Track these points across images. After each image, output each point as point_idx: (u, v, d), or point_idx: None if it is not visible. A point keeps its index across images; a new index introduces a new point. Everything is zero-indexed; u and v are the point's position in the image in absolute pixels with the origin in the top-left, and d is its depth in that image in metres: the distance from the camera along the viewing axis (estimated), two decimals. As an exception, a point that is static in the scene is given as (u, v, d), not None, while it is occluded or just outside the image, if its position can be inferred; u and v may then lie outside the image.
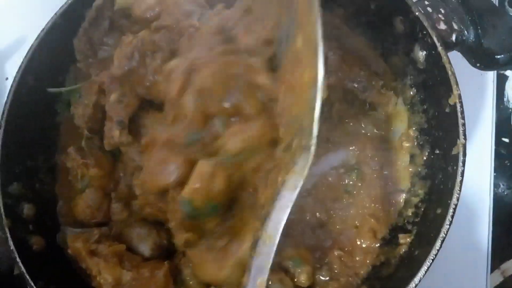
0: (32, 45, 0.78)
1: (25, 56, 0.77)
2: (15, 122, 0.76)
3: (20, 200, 0.75)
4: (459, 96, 0.69)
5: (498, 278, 0.99)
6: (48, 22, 0.78)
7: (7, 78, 1.09)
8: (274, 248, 0.53)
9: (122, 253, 0.72)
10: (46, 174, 0.82)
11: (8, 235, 0.69)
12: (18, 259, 0.68)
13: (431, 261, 0.63)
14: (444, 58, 0.71)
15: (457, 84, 0.70)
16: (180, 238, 0.64)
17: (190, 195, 0.60)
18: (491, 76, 0.97)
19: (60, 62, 0.83)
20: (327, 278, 0.74)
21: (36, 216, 0.76)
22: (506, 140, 1.05)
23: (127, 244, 0.74)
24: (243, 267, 0.56)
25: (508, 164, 1.04)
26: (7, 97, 0.76)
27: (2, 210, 0.70)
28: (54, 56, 0.81)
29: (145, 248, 0.74)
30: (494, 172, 0.94)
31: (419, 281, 0.63)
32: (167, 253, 0.75)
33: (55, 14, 0.79)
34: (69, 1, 0.79)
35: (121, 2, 0.77)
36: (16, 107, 0.76)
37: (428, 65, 0.75)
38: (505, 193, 1.04)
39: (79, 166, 0.79)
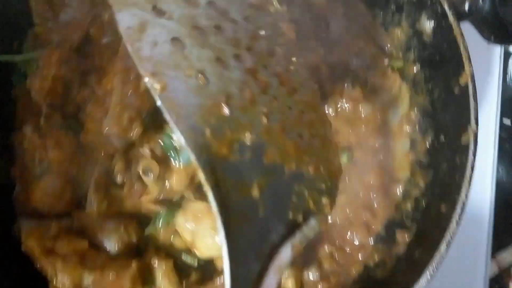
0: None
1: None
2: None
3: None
4: (472, 75, 0.60)
5: (493, 269, 0.93)
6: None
7: None
8: None
9: (84, 251, 0.63)
10: (0, 155, 0.71)
11: None
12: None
13: (434, 267, 0.55)
14: (456, 30, 0.61)
15: (469, 60, 0.61)
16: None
17: None
18: (497, 52, 0.87)
19: (16, 25, 0.72)
20: (316, 278, 0.66)
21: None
22: (508, 122, 0.97)
23: (90, 240, 0.66)
24: None
25: (509, 148, 0.97)
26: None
27: None
28: (8, 18, 0.70)
29: (111, 244, 0.66)
30: (494, 156, 0.86)
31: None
32: (136, 251, 0.67)
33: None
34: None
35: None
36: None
37: (436, 37, 0.65)
38: (504, 179, 0.97)
39: (37, 148, 0.69)
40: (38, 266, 0.63)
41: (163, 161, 0.60)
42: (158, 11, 0.41)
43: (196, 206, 0.60)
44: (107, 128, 0.64)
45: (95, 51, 0.75)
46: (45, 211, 0.68)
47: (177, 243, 0.66)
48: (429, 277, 0.54)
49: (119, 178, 0.66)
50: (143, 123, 0.64)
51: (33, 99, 0.71)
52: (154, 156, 0.60)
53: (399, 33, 0.71)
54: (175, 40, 0.41)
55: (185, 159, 0.59)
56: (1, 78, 0.73)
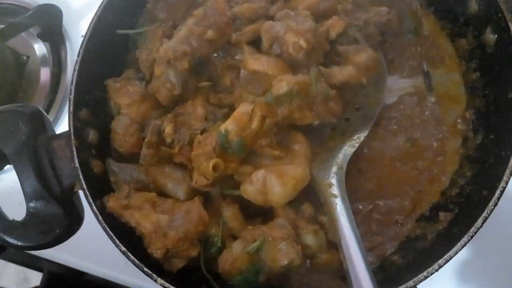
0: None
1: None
2: (91, 53, 0.81)
3: (87, 126, 0.81)
4: (527, 82, 0.69)
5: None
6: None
7: (82, 36, 1.19)
8: None
9: (154, 199, 0.75)
10: (110, 107, 0.87)
11: (75, 153, 0.75)
12: (81, 176, 0.75)
13: (469, 237, 0.64)
14: (516, 43, 0.70)
15: (525, 70, 0.69)
16: (207, 165, 0.69)
17: (227, 128, 0.69)
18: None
19: (136, 2, 0.88)
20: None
21: (98, 143, 0.82)
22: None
23: (162, 189, 0.78)
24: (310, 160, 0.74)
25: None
26: (88, 29, 0.81)
27: (71, 130, 0.76)
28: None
29: (180, 191, 0.77)
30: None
31: (455, 254, 0.64)
32: (205, 199, 0.77)
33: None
34: None
35: None
36: (94, 40, 0.81)
37: (497, 49, 0.74)
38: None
39: (113, 96, 0.83)
40: (123, 220, 0.75)
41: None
42: None
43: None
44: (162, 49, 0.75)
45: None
46: (121, 150, 0.80)
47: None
48: (462, 246, 0.64)
49: (168, 139, 0.75)
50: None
51: (140, 67, 0.83)
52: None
53: (464, 44, 0.81)
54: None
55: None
56: (120, 44, 0.88)
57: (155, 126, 0.75)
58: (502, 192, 0.65)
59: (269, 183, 0.70)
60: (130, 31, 0.87)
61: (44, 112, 0.82)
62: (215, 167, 0.68)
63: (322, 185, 0.73)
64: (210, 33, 0.75)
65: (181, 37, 0.75)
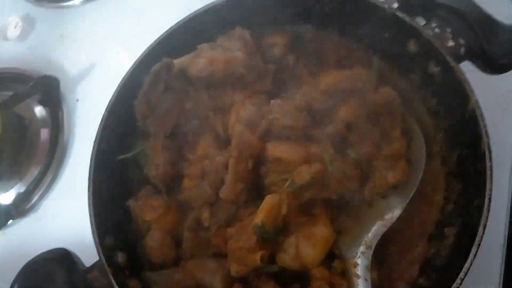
0: (103, 116, 0.92)
1: (99, 126, 0.91)
2: (99, 186, 0.89)
3: (114, 250, 0.87)
4: (476, 101, 0.80)
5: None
6: (113, 95, 0.92)
7: (77, 100, 1.30)
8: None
9: None
10: (128, 224, 0.93)
11: (113, 282, 0.81)
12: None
13: (477, 247, 0.73)
14: (457, 71, 0.82)
15: (472, 91, 0.81)
16: (254, 257, 0.77)
17: (263, 220, 0.77)
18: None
19: (129, 125, 0.95)
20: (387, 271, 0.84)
21: (128, 262, 0.88)
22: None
23: (200, 283, 0.83)
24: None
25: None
26: (90, 166, 0.88)
27: (104, 261, 0.82)
28: (122, 122, 0.94)
29: (217, 282, 0.82)
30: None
31: (470, 266, 0.73)
32: (242, 281, 0.82)
33: (118, 85, 0.93)
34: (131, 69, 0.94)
35: (179, 64, 0.90)
36: (99, 174, 0.89)
37: (444, 77, 0.86)
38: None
39: (139, 212, 0.90)
40: None
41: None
42: None
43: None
44: (223, 195, 0.82)
45: (182, 133, 0.95)
46: (159, 262, 0.88)
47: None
48: (474, 256, 0.73)
49: (205, 223, 0.84)
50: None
51: (152, 184, 0.91)
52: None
53: (415, 77, 0.93)
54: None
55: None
56: (123, 168, 0.95)
57: (195, 213, 0.85)
58: (490, 199, 0.75)
59: (301, 247, 0.78)
60: (129, 154, 0.94)
61: (71, 251, 0.88)
62: (262, 259, 0.76)
63: (348, 263, 0.80)
64: (251, 163, 0.82)
65: (232, 178, 0.81)
